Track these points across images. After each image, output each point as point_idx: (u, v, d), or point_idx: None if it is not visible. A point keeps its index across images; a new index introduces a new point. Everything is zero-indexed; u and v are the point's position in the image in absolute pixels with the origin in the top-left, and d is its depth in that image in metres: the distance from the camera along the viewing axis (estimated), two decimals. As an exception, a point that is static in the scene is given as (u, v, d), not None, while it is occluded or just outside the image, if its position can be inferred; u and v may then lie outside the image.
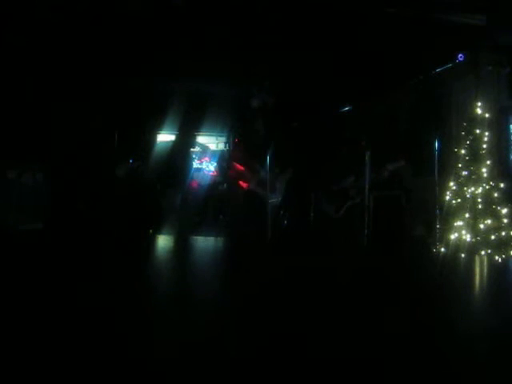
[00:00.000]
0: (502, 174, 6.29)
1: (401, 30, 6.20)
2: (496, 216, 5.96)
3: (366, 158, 6.54)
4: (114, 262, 4.09)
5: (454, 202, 6.15)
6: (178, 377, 1.74)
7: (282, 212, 6.83)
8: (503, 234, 5.88)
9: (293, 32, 6.30)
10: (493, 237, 5.86)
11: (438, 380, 1.79)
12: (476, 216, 5.96)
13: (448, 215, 6.10)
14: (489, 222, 5.92)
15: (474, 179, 6.11)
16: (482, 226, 5.91)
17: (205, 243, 6.45)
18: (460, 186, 6.17)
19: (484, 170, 6.11)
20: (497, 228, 5.90)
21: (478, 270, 5.06)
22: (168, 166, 6.84)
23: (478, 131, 6.25)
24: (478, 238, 5.88)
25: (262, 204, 6.32)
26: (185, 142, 7.32)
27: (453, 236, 5.97)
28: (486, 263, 5.47)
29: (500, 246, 5.81)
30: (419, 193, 6.69)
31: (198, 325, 2.35)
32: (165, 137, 8.54)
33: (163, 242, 6.28)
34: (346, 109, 9.05)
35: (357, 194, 6.80)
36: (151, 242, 6.15)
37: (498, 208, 5.99)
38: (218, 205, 7.75)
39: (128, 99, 7.30)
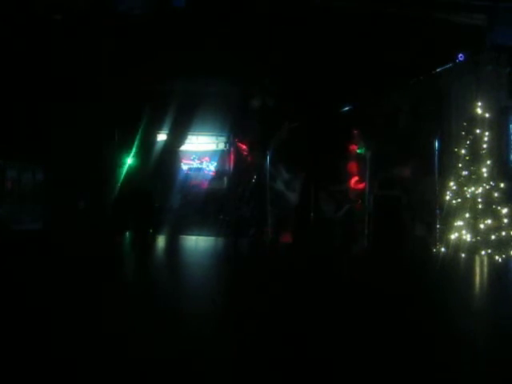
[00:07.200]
0: (502, 174, 6.28)
1: (401, 30, 6.20)
2: (496, 216, 5.95)
3: (366, 158, 6.53)
4: (113, 262, 4.09)
5: (454, 201, 6.14)
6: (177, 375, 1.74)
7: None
8: (503, 233, 5.88)
9: (293, 32, 6.30)
10: (493, 237, 5.85)
11: (438, 379, 1.78)
12: (476, 216, 5.95)
13: (448, 215, 6.09)
14: (489, 221, 5.91)
15: (474, 179, 6.10)
16: (482, 225, 5.90)
17: (204, 243, 6.45)
18: (460, 185, 6.16)
19: (484, 169, 6.11)
20: (497, 228, 5.90)
21: (477, 269, 5.06)
22: (159, 166, 6.85)
23: (478, 131, 6.24)
24: (478, 238, 5.88)
25: None
26: (176, 141, 7.34)
27: (453, 236, 5.97)
28: (486, 263, 5.47)
29: (500, 245, 5.81)
30: (419, 193, 6.68)
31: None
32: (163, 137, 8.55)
33: (162, 241, 6.28)
34: (346, 109, 9.03)
35: (356, 197, 6.78)
36: (150, 241, 6.15)
37: (498, 208, 5.99)
38: (218, 205, 7.73)
39: (128, 99, 7.29)
